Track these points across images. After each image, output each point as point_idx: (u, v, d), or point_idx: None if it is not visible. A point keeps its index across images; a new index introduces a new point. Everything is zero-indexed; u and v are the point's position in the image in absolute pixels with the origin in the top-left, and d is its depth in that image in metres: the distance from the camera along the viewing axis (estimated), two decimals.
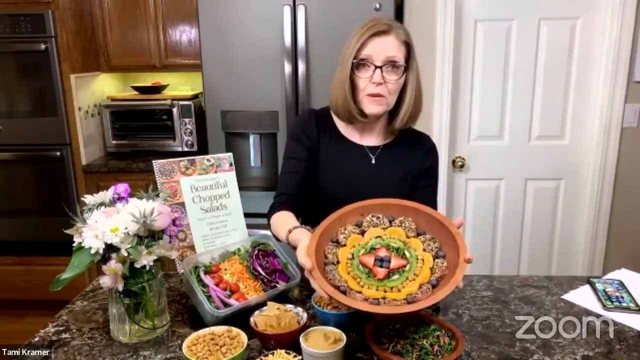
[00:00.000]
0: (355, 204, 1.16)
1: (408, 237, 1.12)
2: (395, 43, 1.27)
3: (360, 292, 1.01)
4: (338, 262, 1.08)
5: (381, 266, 1.05)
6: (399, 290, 1.02)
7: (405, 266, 1.05)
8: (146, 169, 2.75)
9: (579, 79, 2.56)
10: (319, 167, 1.40)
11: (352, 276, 1.04)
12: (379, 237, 1.11)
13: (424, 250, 1.09)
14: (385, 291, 1.02)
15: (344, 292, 1.00)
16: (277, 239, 1.33)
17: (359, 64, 1.28)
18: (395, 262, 1.06)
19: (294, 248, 1.16)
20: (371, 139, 1.41)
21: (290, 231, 1.20)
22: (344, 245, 1.10)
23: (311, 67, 2.39)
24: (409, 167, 1.40)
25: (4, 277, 2.86)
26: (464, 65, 2.58)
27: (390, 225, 1.14)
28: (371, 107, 1.30)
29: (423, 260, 1.07)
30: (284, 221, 1.27)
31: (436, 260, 1.07)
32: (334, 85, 1.34)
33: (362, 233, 1.13)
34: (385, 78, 1.27)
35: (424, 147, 1.44)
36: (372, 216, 1.15)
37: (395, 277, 1.04)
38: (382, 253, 1.07)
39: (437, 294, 0.98)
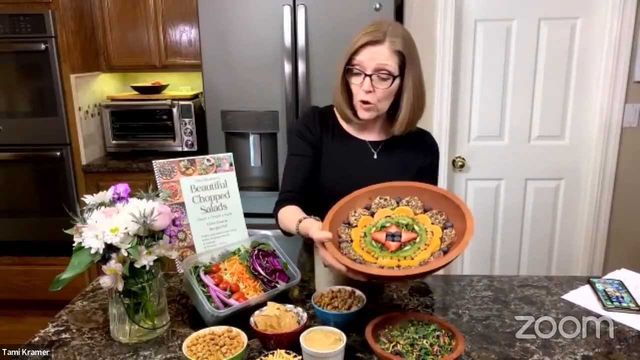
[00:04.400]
0: (363, 189, 1.23)
1: (416, 214, 1.18)
2: (387, 52, 1.27)
3: (375, 263, 1.07)
4: (351, 241, 1.14)
5: (393, 240, 1.11)
6: (412, 259, 1.08)
7: (415, 239, 1.12)
8: (146, 169, 2.75)
9: (579, 79, 2.56)
10: (322, 163, 1.42)
11: (367, 251, 1.11)
12: (389, 216, 1.18)
13: (432, 223, 1.15)
14: (399, 260, 1.08)
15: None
16: (286, 233, 1.36)
17: (352, 70, 1.31)
18: (405, 236, 1.12)
19: (305, 238, 1.21)
20: (373, 135, 1.44)
21: (300, 221, 1.22)
22: (356, 226, 1.17)
23: (311, 67, 2.39)
24: (410, 162, 1.42)
25: (4, 277, 2.86)
26: (464, 65, 2.58)
27: (398, 205, 1.20)
28: (362, 113, 1.35)
29: (432, 232, 1.13)
30: (292, 214, 1.30)
31: (445, 230, 1.13)
32: (334, 85, 1.38)
33: (372, 214, 1.19)
34: (374, 86, 1.29)
35: (425, 144, 1.46)
36: (380, 198, 1.22)
37: (407, 247, 1.10)
38: (393, 230, 1.13)
39: (449, 255, 1.04)
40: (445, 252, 1.07)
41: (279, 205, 1.38)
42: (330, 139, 1.43)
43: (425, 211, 1.18)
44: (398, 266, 1.05)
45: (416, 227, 1.14)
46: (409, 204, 1.19)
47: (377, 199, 1.21)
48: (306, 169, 1.41)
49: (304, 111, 1.56)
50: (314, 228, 1.12)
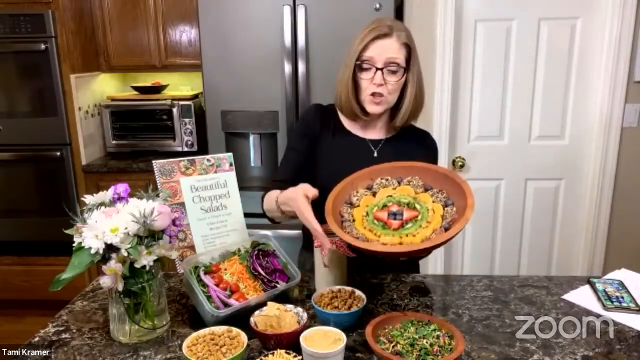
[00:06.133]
0: (364, 170, 1.26)
1: (417, 193, 1.20)
2: (396, 45, 1.31)
3: (377, 241, 1.09)
4: (354, 220, 1.16)
5: (395, 219, 1.13)
6: (414, 236, 1.10)
7: (417, 216, 1.14)
8: (146, 169, 2.75)
9: (579, 79, 2.56)
10: (322, 160, 1.43)
11: (369, 229, 1.13)
12: (390, 196, 1.20)
13: (433, 202, 1.17)
14: (401, 237, 1.10)
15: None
16: (269, 219, 1.40)
17: (361, 65, 1.33)
18: (407, 214, 1.14)
19: (283, 213, 1.26)
20: (374, 133, 1.45)
21: (281, 191, 1.26)
22: (358, 205, 1.19)
23: (311, 67, 2.39)
24: (410, 160, 1.42)
25: (4, 277, 2.86)
26: (464, 65, 2.58)
27: (399, 185, 1.23)
28: (372, 107, 1.36)
29: (433, 210, 1.15)
30: (275, 193, 1.32)
31: (446, 208, 1.15)
32: (339, 83, 1.39)
33: (374, 194, 1.22)
34: (385, 79, 1.32)
35: (425, 143, 1.48)
36: (382, 178, 1.24)
37: (409, 225, 1.12)
38: (395, 208, 1.15)
39: (450, 231, 1.06)
40: (446, 229, 1.09)
41: (266, 191, 1.40)
42: (330, 135, 1.45)
43: (426, 190, 1.21)
44: (400, 243, 1.08)
45: (417, 206, 1.16)
46: (410, 184, 1.23)
47: (378, 179, 1.25)
48: (297, 162, 1.44)
49: (307, 108, 1.59)
50: (300, 189, 1.15)
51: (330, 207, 1.16)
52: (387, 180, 1.24)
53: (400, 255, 1.29)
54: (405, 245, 1.07)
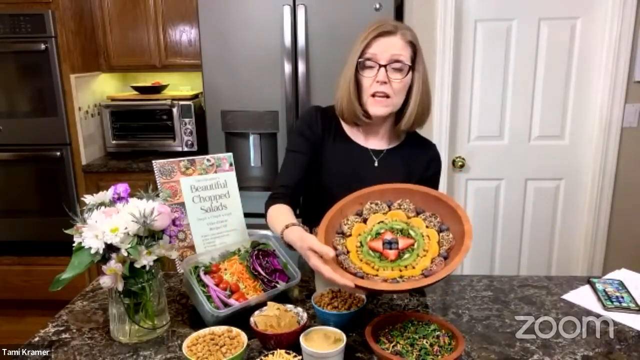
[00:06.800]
0: (352, 195, 1.20)
1: (409, 217, 1.16)
2: (401, 43, 1.27)
3: (376, 275, 1.05)
4: (348, 252, 1.11)
5: (390, 248, 1.09)
6: (414, 267, 1.06)
7: (413, 244, 1.10)
8: (146, 169, 2.75)
9: (579, 79, 2.56)
10: (322, 166, 1.40)
11: (365, 262, 1.09)
12: (382, 222, 1.15)
13: (427, 227, 1.13)
14: (400, 270, 1.06)
15: (362, 278, 1.04)
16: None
17: (364, 63, 1.28)
18: (403, 242, 1.10)
19: (287, 245, 1.18)
20: (376, 142, 1.41)
21: (287, 226, 1.18)
22: (350, 235, 1.15)
23: (311, 67, 2.39)
24: (411, 172, 1.40)
25: (3, 277, 2.86)
26: (464, 65, 2.58)
27: (390, 209, 1.18)
28: (375, 109, 1.30)
29: (429, 236, 1.11)
30: (282, 215, 1.26)
31: (441, 234, 1.12)
32: (339, 86, 1.34)
33: (365, 221, 1.17)
34: (389, 77, 1.27)
35: (427, 155, 1.43)
36: (371, 203, 1.19)
37: (407, 255, 1.08)
38: (389, 236, 1.11)
39: (451, 264, 1.02)
40: (445, 258, 1.06)
41: (271, 200, 1.35)
42: (332, 140, 1.40)
43: (418, 214, 1.16)
44: (401, 277, 1.04)
45: (412, 232, 1.12)
46: (401, 207, 1.18)
47: (368, 204, 1.19)
48: (302, 165, 1.38)
49: (305, 110, 1.54)
50: (311, 241, 1.05)
51: (322, 241, 1.08)
52: (376, 204, 1.18)
53: (404, 292, 1.28)
54: (408, 282, 1.02)
